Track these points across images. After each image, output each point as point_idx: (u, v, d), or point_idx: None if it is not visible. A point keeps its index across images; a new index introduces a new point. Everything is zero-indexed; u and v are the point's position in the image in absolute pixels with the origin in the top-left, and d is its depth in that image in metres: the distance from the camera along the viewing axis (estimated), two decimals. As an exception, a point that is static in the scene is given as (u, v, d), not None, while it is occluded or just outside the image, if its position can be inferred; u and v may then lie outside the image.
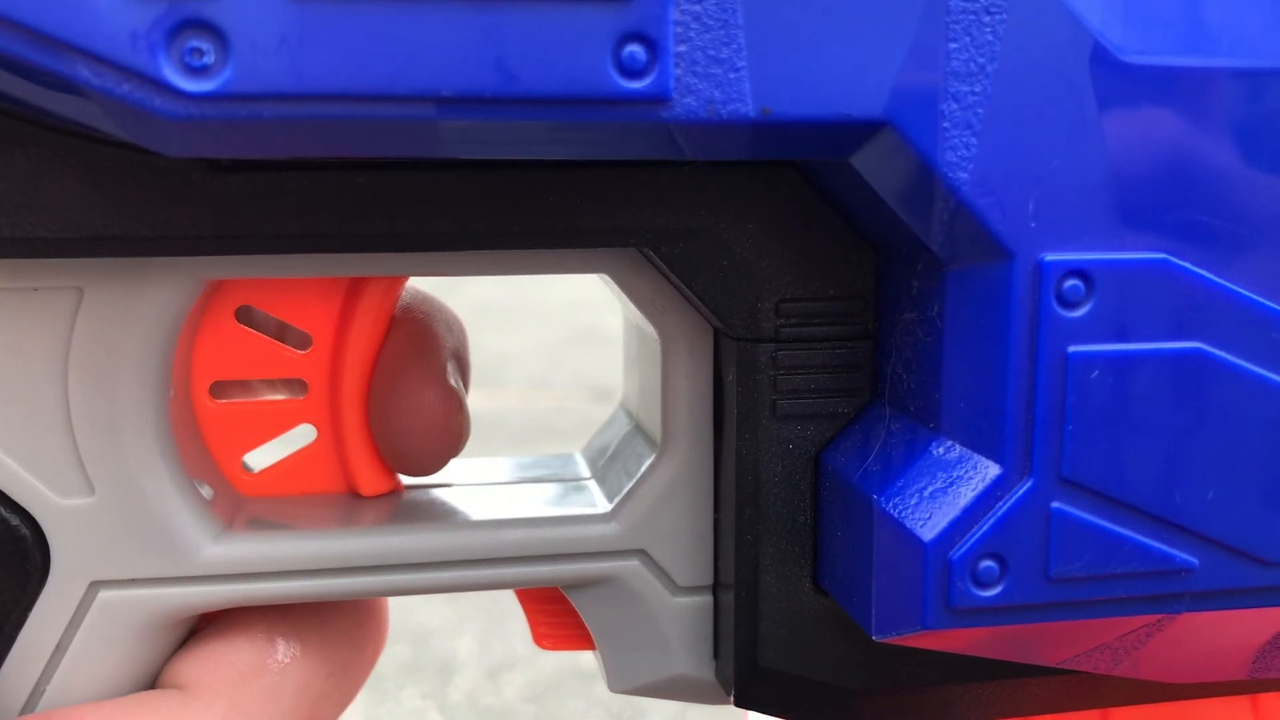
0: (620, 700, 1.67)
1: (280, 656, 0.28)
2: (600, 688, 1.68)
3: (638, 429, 0.33)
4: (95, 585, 0.27)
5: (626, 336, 0.34)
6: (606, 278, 0.29)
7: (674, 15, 0.21)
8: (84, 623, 0.27)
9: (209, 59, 0.20)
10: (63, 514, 0.27)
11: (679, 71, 0.21)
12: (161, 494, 0.27)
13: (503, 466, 0.34)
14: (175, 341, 0.27)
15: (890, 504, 0.25)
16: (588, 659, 1.74)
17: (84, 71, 0.20)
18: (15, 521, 0.26)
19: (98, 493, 0.27)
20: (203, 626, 0.29)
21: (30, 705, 0.27)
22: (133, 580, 0.27)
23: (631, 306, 0.29)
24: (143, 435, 0.27)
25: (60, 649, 0.27)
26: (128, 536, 0.27)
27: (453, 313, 0.32)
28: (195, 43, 0.20)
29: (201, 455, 0.29)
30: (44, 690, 0.27)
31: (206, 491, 0.29)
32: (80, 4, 0.19)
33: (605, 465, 0.33)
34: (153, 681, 0.28)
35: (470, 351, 0.32)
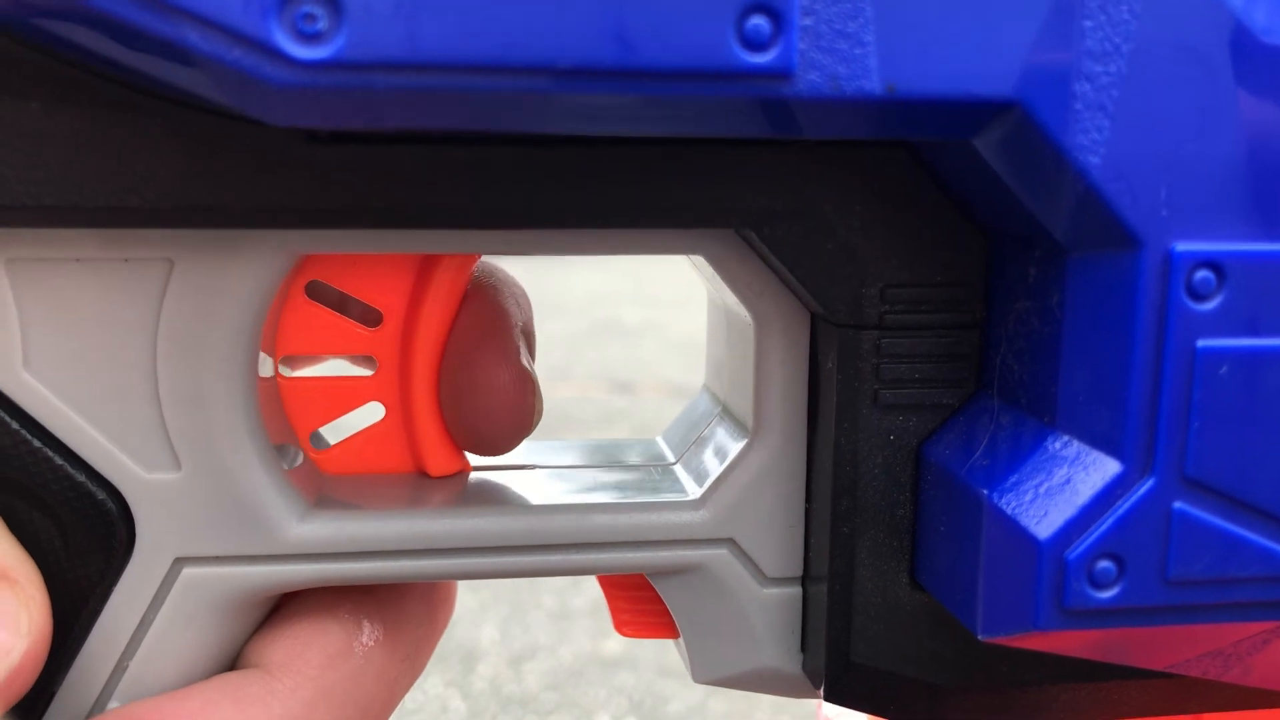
0: (641, 688, 1.67)
1: (365, 639, 0.28)
2: (621, 676, 1.68)
3: (726, 413, 0.32)
4: (179, 562, 0.27)
5: (712, 318, 0.33)
6: (700, 259, 0.28)
7: (800, -13, 0.20)
8: (168, 599, 0.27)
9: (322, 25, 0.19)
10: (148, 489, 0.26)
11: (803, 46, 0.20)
12: (248, 471, 0.27)
13: (581, 449, 0.33)
14: (264, 316, 0.26)
15: (1003, 500, 0.24)
16: (609, 647, 1.74)
17: (192, 35, 0.19)
18: (101, 496, 0.26)
19: (184, 468, 0.26)
20: (284, 604, 0.29)
21: (114, 681, 0.27)
22: (217, 557, 0.27)
23: (724, 289, 0.28)
24: (230, 411, 0.26)
25: (144, 625, 0.27)
26: (213, 513, 0.27)
27: (519, 284, 0.31)
28: (308, 8, 0.19)
29: (287, 431, 0.29)
30: (127, 666, 0.27)
31: (297, 457, 0.28)
32: (191, -34, 0.19)
33: (692, 449, 0.32)
34: (234, 659, 0.28)
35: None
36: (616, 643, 1.76)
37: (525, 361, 0.30)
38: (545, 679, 1.71)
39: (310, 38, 0.19)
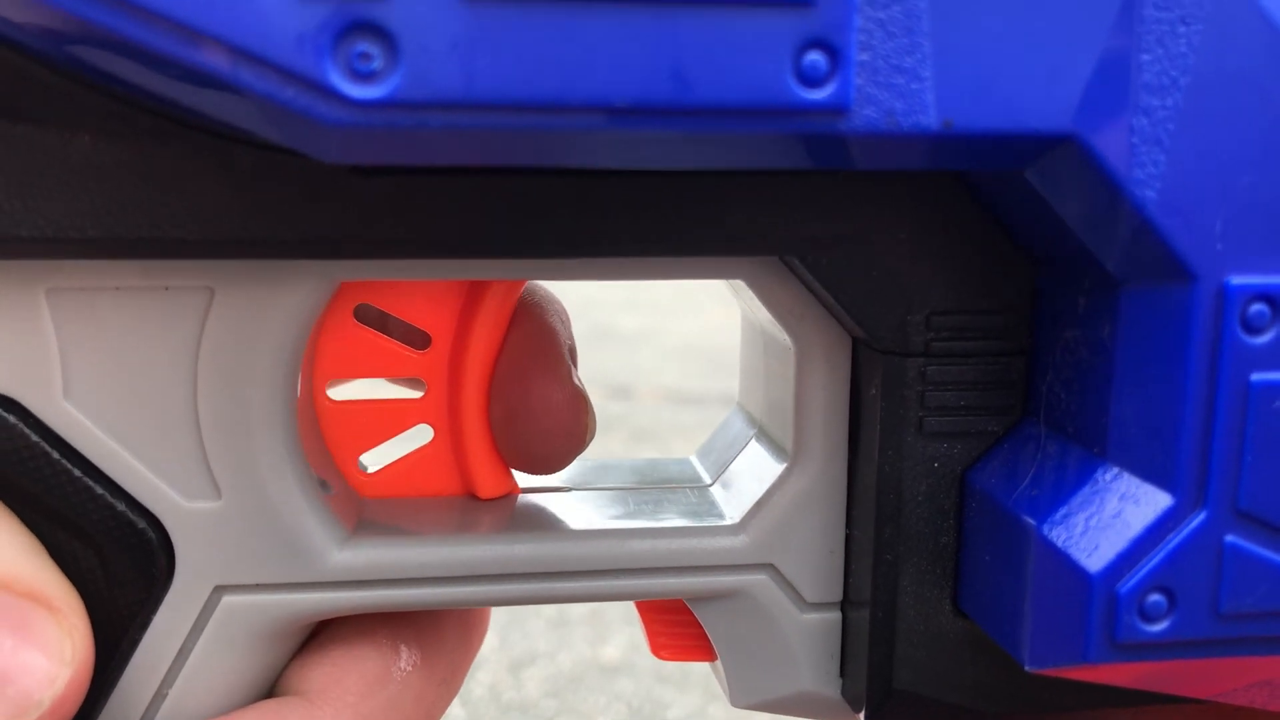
0: (640, 694, 1.67)
1: (403, 664, 0.28)
2: (620, 682, 1.67)
3: (762, 434, 0.32)
4: (219, 590, 0.27)
5: (747, 336, 0.33)
6: (741, 283, 0.28)
7: (858, 22, 0.20)
8: (207, 627, 0.27)
9: (377, 64, 0.19)
10: (188, 518, 0.26)
11: (860, 81, 0.20)
12: (288, 499, 0.27)
13: (616, 470, 0.33)
14: (305, 343, 0.26)
15: (1052, 532, 0.24)
16: (608, 654, 1.74)
17: (246, 74, 0.19)
18: (142, 525, 0.26)
19: (224, 497, 0.26)
20: (320, 630, 0.29)
21: (153, 709, 0.27)
22: (257, 585, 0.27)
23: (764, 313, 0.28)
24: (270, 439, 0.26)
25: (183, 653, 0.27)
26: (253, 541, 0.27)
27: (559, 301, 0.31)
28: (364, 47, 0.19)
29: (324, 456, 0.29)
30: (166, 694, 0.27)
31: (329, 488, 0.28)
32: (245, 4, 0.19)
33: (728, 470, 0.32)
34: (273, 687, 0.28)
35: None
36: (615, 649, 1.76)
37: (577, 380, 0.30)
38: (544, 686, 1.70)
39: (365, 77, 0.19)
